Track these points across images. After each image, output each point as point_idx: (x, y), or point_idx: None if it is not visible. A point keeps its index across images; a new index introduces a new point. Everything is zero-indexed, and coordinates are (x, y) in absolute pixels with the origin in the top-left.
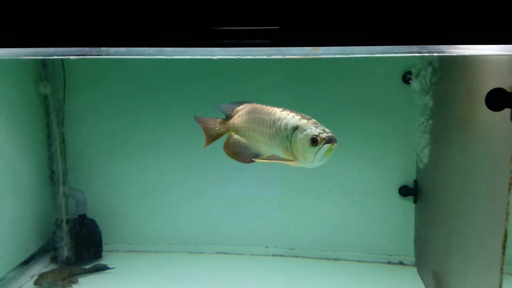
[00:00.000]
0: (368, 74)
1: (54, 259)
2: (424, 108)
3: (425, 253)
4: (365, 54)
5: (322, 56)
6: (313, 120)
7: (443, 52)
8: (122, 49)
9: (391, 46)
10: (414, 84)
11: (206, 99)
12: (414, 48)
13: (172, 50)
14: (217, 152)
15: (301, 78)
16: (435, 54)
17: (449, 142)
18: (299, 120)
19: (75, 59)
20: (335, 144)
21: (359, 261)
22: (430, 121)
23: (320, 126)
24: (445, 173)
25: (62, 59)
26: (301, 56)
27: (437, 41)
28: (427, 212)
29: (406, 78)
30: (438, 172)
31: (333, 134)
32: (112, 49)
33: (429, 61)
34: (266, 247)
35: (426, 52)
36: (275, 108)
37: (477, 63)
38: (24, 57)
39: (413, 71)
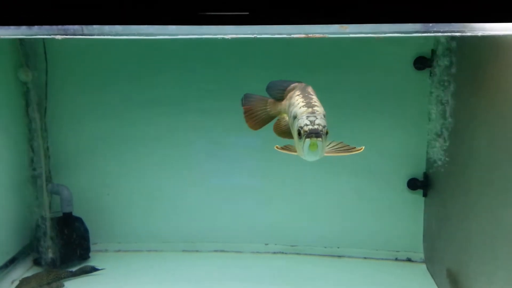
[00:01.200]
0: (375, 60)
1: (37, 262)
2: (441, 95)
3: (437, 250)
4: (399, 33)
5: (351, 35)
6: (315, 108)
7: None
8: (118, 28)
9: (430, 24)
10: (431, 69)
11: (200, 87)
12: (455, 26)
13: (177, 28)
14: (212, 142)
15: (304, 65)
16: (479, 34)
17: (473, 131)
18: (300, 108)
19: (60, 41)
20: (314, 139)
21: (365, 258)
22: (448, 109)
23: (313, 116)
24: (467, 165)
25: (44, 41)
26: (326, 35)
27: (465, 19)
28: (440, 207)
29: (418, 64)
30: (456, 164)
31: (317, 128)
32: (106, 27)
33: (448, 43)
34: (266, 244)
35: (467, 32)
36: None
37: (510, 44)
38: (3, 37)
39: (430, 54)
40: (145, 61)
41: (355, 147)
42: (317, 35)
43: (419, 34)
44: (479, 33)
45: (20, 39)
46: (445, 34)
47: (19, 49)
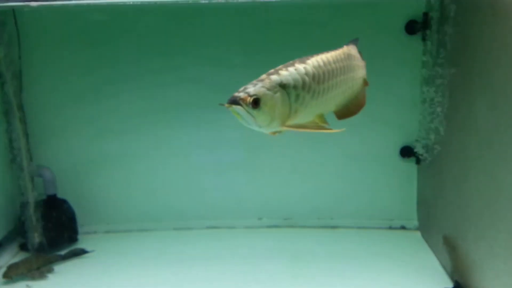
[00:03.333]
0: (365, 24)
1: (23, 247)
2: (434, 59)
3: (433, 217)
4: None
5: None
6: (272, 76)
7: None
8: None
9: None
10: (424, 32)
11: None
12: None
13: None
14: (200, 114)
15: (290, 31)
16: None
17: (470, 96)
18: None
19: (32, 13)
20: (226, 105)
21: (359, 227)
22: (442, 74)
23: (254, 83)
24: (464, 131)
25: (13, 11)
26: None
27: None
28: (435, 173)
29: (409, 28)
30: (452, 129)
31: (236, 95)
32: None
33: (441, 5)
34: (260, 219)
35: None
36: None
37: (509, 6)
38: None
39: (421, 18)
40: (128, 31)
41: (331, 129)
42: None
43: None
44: None
45: None
46: None
47: None
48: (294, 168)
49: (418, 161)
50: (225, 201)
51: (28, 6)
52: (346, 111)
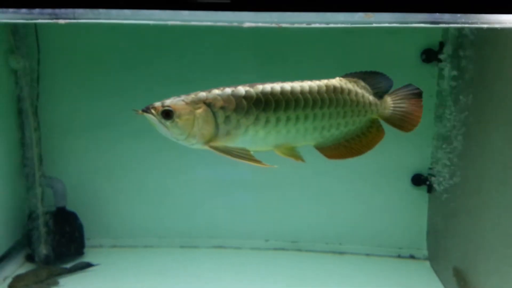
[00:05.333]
0: (380, 51)
1: (29, 258)
2: (448, 89)
3: (443, 247)
4: (425, 23)
5: (375, 25)
6: (200, 93)
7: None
8: (127, 12)
9: (458, 15)
10: (439, 61)
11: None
12: (482, 17)
13: (190, 14)
14: None
15: (304, 57)
16: (497, 26)
17: (485, 128)
18: None
19: (53, 29)
20: (139, 112)
21: (367, 254)
22: (456, 104)
23: (177, 97)
24: (478, 162)
25: (36, 29)
26: (349, 25)
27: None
28: (447, 203)
29: (425, 56)
30: (466, 160)
31: (151, 104)
32: (113, 11)
33: (458, 35)
34: (267, 240)
35: (494, 24)
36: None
37: None
38: (3, 21)
39: (437, 46)
40: (139, 49)
41: (261, 162)
42: (339, 25)
43: (446, 25)
44: (497, 26)
45: (14, 25)
46: (474, 26)
47: (10, 35)
48: (303, 191)
49: (429, 190)
50: (233, 221)
51: (56, 23)
52: (340, 151)
